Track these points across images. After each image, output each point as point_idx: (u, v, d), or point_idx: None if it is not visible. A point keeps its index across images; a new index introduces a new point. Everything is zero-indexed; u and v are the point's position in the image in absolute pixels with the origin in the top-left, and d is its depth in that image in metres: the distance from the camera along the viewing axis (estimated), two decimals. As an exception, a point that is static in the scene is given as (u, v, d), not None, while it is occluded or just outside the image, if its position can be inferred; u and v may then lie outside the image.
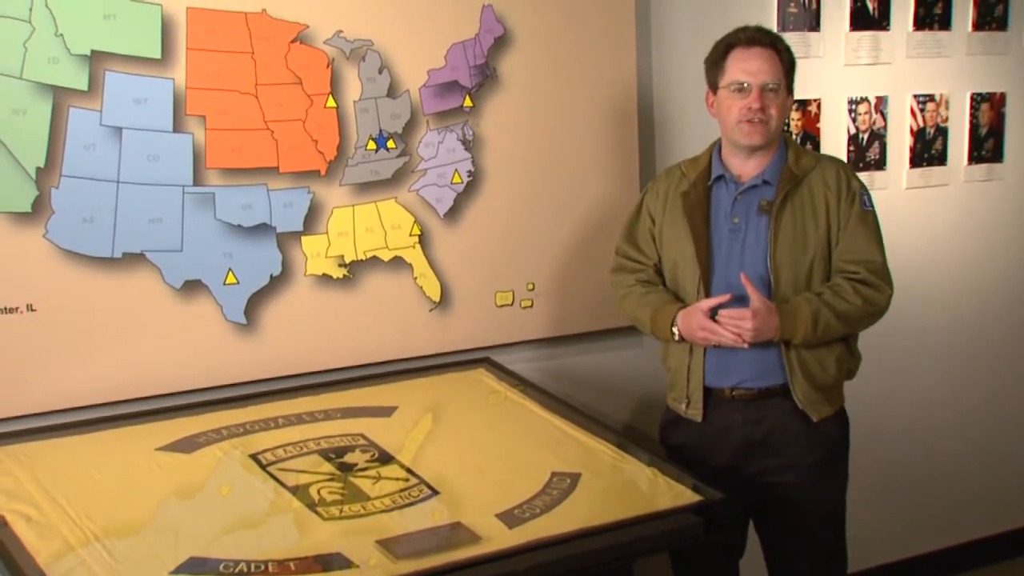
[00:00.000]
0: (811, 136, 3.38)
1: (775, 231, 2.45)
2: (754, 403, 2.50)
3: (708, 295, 2.48)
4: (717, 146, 2.59)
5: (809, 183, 2.50)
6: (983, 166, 3.71)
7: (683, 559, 2.68)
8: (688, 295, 2.53)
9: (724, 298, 2.42)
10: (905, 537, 3.77)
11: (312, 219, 2.68)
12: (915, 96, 3.55)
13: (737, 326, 2.39)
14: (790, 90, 2.52)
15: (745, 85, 2.44)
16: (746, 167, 2.52)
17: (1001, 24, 3.67)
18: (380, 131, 2.74)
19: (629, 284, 2.64)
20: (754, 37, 2.48)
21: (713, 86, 2.54)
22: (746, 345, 2.40)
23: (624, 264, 2.68)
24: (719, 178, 2.54)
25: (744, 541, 2.62)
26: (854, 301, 2.44)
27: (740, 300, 2.42)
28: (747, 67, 2.45)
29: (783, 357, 2.46)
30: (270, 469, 2.21)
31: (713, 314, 2.43)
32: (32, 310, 2.42)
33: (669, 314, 2.51)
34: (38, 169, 2.38)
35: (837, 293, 2.44)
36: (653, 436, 2.74)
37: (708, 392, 2.53)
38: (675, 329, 2.49)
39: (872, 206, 2.53)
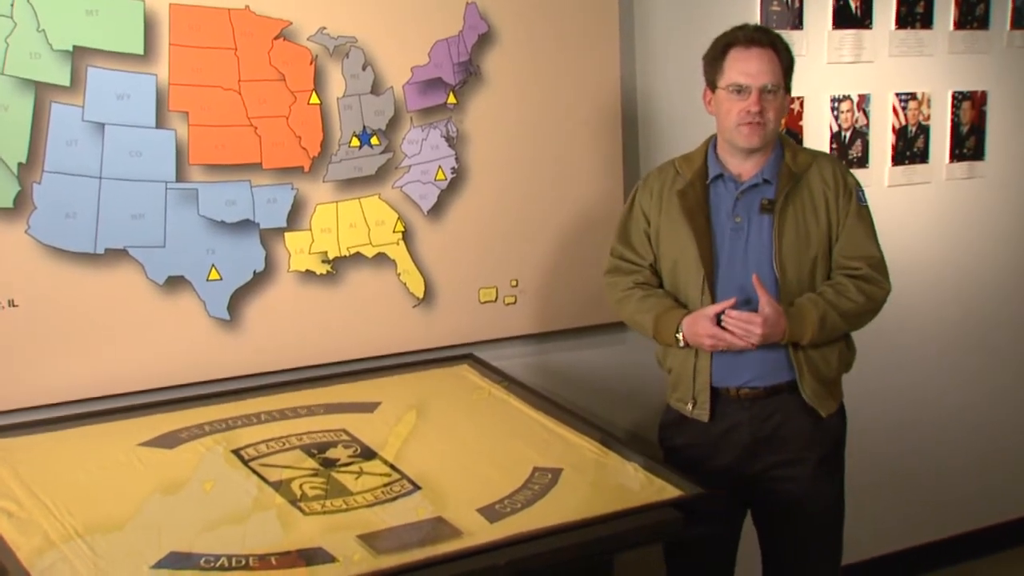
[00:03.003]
0: (794, 134, 3.39)
1: (779, 229, 2.45)
2: (761, 401, 2.49)
3: (712, 294, 2.47)
4: (712, 143, 2.56)
5: (808, 181, 2.49)
6: (964, 164, 3.74)
7: (675, 552, 2.67)
8: (690, 295, 2.51)
9: (728, 303, 2.40)
10: (896, 530, 3.79)
11: (295, 215, 2.68)
12: (897, 94, 3.56)
13: (746, 330, 2.37)
14: (788, 89, 2.49)
15: (744, 87, 2.42)
16: (744, 166, 2.50)
17: (982, 23, 3.69)
18: (364, 128, 2.74)
19: (627, 287, 2.60)
20: (753, 37, 2.44)
21: (711, 84, 2.50)
22: (753, 346, 2.38)
23: (620, 265, 2.65)
24: (718, 176, 2.52)
25: (738, 534, 2.63)
26: (857, 299, 2.44)
27: (746, 303, 2.41)
28: (746, 68, 2.41)
29: (791, 356, 2.46)
30: (252, 464, 2.21)
31: (719, 319, 2.41)
32: (14, 306, 2.42)
33: (673, 320, 2.48)
34: (20, 165, 2.38)
35: (840, 292, 2.44)
36: (636, 432, 2.75)
37: (714, 392, 2.51)
38: (680, 335, 2.47)
39: (866, 202, 2.54)
